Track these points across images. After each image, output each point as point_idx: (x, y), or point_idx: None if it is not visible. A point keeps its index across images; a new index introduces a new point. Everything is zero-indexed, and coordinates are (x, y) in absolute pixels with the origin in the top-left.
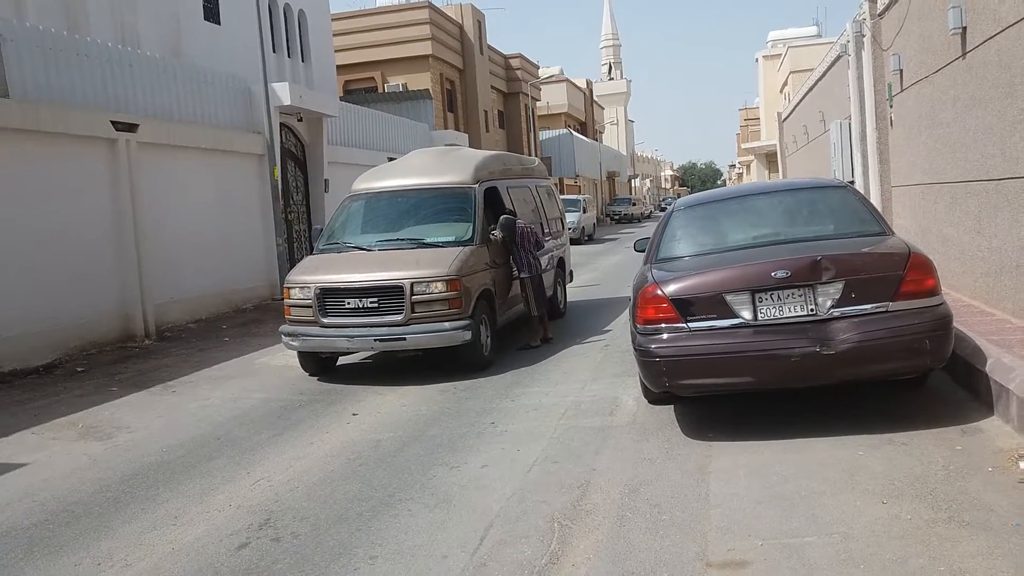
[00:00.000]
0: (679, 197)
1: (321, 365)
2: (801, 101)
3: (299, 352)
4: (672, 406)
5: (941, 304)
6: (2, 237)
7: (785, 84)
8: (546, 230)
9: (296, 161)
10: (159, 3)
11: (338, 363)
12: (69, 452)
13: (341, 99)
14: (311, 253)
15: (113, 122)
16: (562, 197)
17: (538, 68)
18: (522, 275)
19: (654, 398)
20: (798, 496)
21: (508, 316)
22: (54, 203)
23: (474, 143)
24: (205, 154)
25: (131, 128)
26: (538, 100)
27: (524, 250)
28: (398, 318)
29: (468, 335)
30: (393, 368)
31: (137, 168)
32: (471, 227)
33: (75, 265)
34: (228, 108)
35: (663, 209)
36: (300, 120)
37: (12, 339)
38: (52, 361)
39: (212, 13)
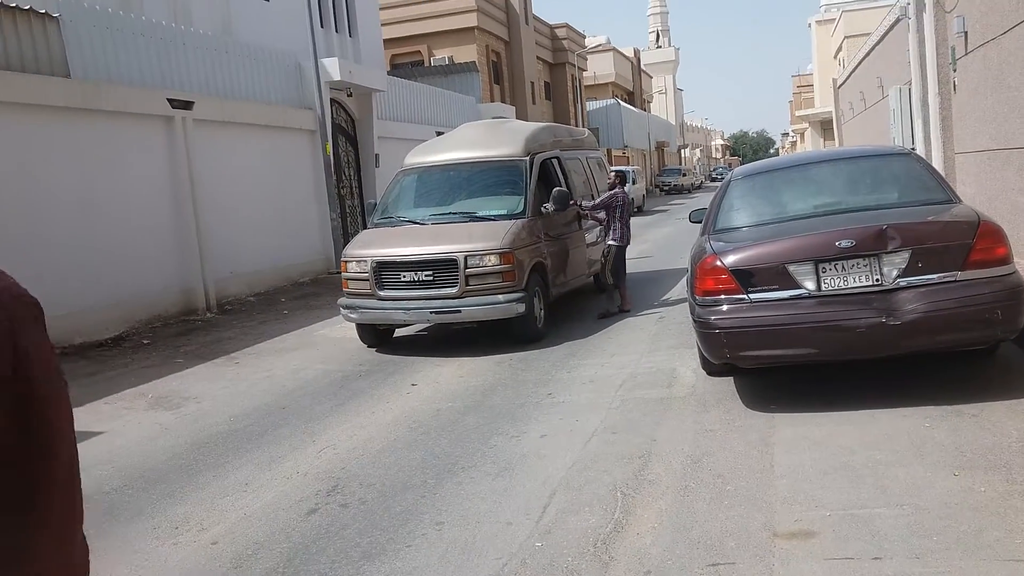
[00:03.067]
0: (730, 167)
1: (378, 337)
2: (857, 67)
3: (357, 324)
4: (731, 378)
5: (1013, 273)
6: (69, 215)
7: (840, 50)
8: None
9: (347, 136)
10: None
11: (395, 335)
12: (141, 421)
13: (389, 73)
14: (364, 227)
15: (169, 100)
16: (611, 168)
17: (584, 37)
18: (610, 242)
19: (713, 370)
20: (865, 467)
21: (564, 288)
22: (116, 181)
23: (520, 115)
24: (259, 130)
25: (187, 105)
26: (584, 70)
27: (622, 220)
28: (452, 291)
29: (522, 308)
30: (448, 340)
31: (193, 145)
32: (523, 200)
33: (138, 241)
34: (279, 84)
35: (714, 180)
36: (350, 95)
37: (81, 313)
38: (119, 334)
39: None
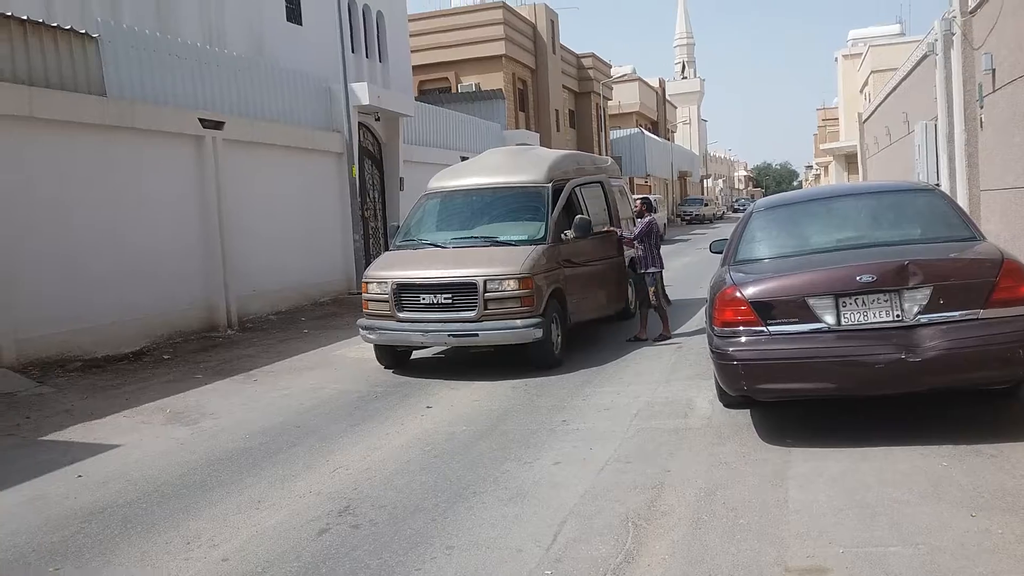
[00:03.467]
0: (753, 198)
1: (396, 358)
2: (883, 101)
3: (375, 345)
4: (748, 410)
5: None
6: (97, 229)
7: (866, 84)
8: (619, 230)
9: (373, 159)
10: (244, 5)
11: (412, 356)
12: (158, 435)
13: (416, 99)
14: (387, 249)
15: (201, 120)
16: (633, 196)
17: (610, 67)
18: (653, 270)
19: (729, 401)
20: (880, 505)
21: (586, 316)
22: (145, 198)
23: (545, 142)
24: (287, 151)
25: (217, 126)
26: (609, 99)
27: (656, 247)
28: (471, 314)
29: (539, 333)
30: (465, 363)
31: (223, 164)
32: (544, 226)
33: (164, 257)
34: (309, 107)
35: (736, 210)
36: (377, 119)
37: (106, 326)
38: (141, 348)
39: (294, 14)
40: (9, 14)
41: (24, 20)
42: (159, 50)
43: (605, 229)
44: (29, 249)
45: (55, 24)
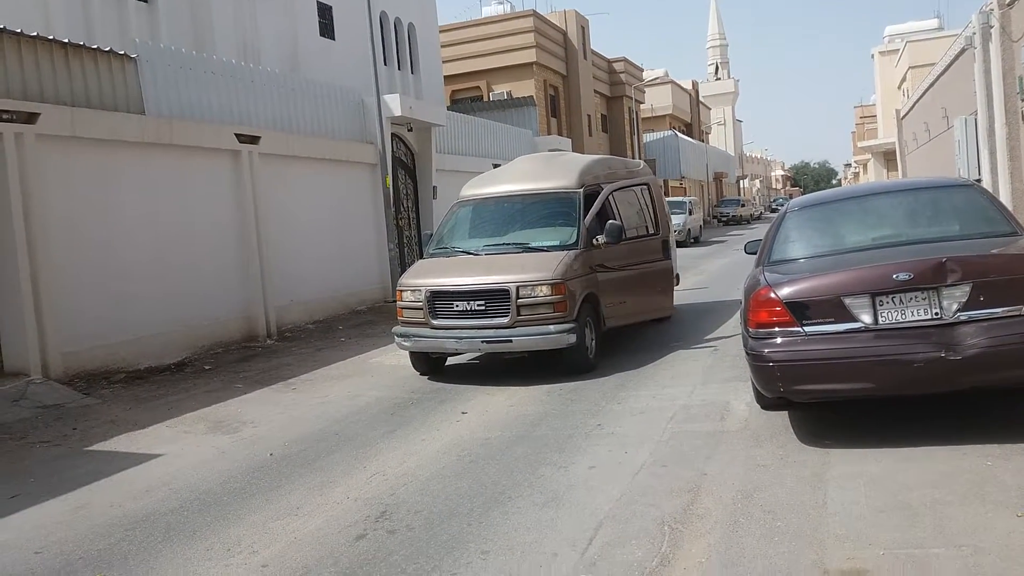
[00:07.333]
0: (791, 197)
1: (431, 365)
2: (921, 97)
3: (410, 352)
4: (786, 412)
5: None
6: (140, 244)
7: (904, 80)
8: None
9: (406, 169)
10: (278, 21)
11: (447, 363)
12: (199, 444)
13: (448, 108)
14: (421, 257)
15: (237, 135)
16: (667, 199)
17: (642, 71)
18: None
19: (767, 403)
20: (922, 506)
21: (624, 321)
22: (185, 212)
23: (577, 147)
24: (321, 163)
25: (253, 140)
26: (642, 103)
27: None
28: (504, 320)
29: (573, 338)
30: (499, 369)
31: (259, 178)
32: (576, 231)
33: (204, 269)
34: (343, 120)
35: (774, 210)
36: (410, 130)
37: (148, 338)
38: (183, 359)
39: (327, 29)
40: (52, 38)
41: (66, 43)
42: (196, 68)
43: (643, 233)
44: (73, 264)
45: (95, 46)
